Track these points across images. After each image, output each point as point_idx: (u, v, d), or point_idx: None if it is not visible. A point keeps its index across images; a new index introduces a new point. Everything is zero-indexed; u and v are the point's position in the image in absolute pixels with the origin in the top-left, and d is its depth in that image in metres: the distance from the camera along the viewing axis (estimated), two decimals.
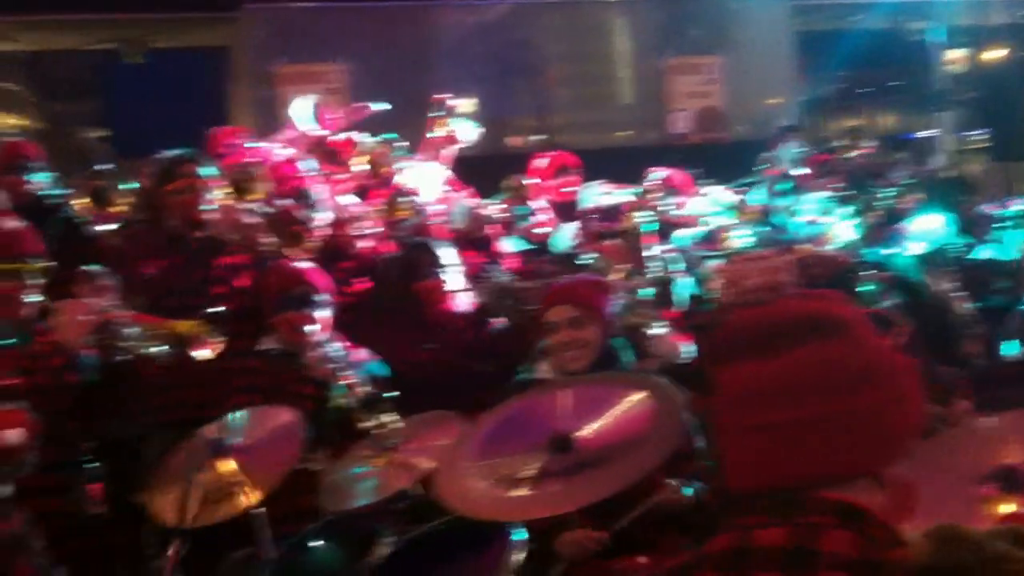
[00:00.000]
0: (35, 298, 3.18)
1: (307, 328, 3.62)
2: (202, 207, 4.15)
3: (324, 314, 3.70)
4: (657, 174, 5.48)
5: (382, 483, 2.92)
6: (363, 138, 5.24)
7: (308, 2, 7.73)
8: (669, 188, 5.41)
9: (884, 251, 4.83)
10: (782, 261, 3.02)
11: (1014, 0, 10.43)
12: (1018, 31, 10.38)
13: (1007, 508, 1.90)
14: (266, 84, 7.49)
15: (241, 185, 4.46)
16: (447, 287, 4.24)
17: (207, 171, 4.26)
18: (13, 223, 3.25)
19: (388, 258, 4.56)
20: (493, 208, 4.89)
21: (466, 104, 5.87)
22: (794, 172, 6.01)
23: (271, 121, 7.62)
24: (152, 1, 8.31)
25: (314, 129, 5.30)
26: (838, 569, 1.24)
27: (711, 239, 4.79)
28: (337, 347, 3.65)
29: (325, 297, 3.74)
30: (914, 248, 4.78)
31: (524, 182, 5.08)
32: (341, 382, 3.52)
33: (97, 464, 3.31)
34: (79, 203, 4.43)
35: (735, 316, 1.39)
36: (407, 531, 2.92)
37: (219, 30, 8.92)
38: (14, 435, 1.98)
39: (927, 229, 4.88)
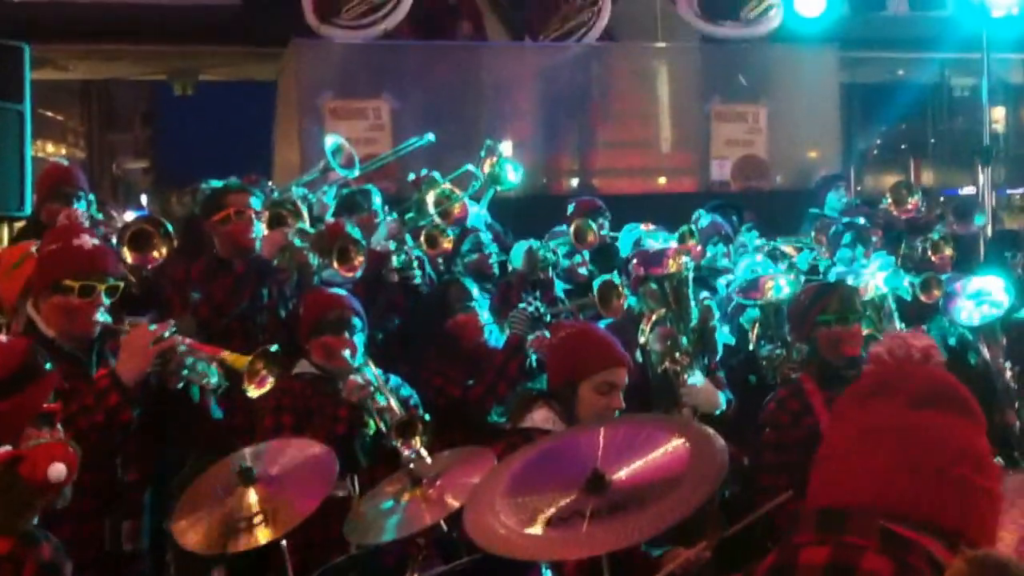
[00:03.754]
0: (104, 317, 3.21)
1: (344, 353, 3.60)
2: (251, 235, 4.17)
3: (359, 339, 3.69)
4: (704, 220, 5.42)
5: (410, 518, 2.86)
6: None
7: (355, 40, 7.81)
8: (715, 234, 5.33)
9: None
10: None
11: None
12: None
13: None
14: (312, 118, 7.55)
15: (282, 215, 4.48)
16: (480, 321, 4.25)
17: (255, 201, 4.29)
18: (93, 241, 3.29)
19: (423, 293, 4.57)
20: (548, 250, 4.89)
21: (505, 146, 5.90)
22: (853, 222, 5.83)
23: (316, 155, 7.67)
24: (203, 34, 8.46)
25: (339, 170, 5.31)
26: None
27: (753, 287, 4.69)
28: (372, 371, 3.63)
29: (361, 322, 3.74)
30: (969, 310, 4.61)
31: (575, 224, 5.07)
32: (376, 406, 3.48)
33: (136, 499, 3.28)
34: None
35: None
36: (433, 568, 2.87)
37: (267, 64, 9.05)
38: (60, 470, 1.98)
39: (985, 291, 4.67)
